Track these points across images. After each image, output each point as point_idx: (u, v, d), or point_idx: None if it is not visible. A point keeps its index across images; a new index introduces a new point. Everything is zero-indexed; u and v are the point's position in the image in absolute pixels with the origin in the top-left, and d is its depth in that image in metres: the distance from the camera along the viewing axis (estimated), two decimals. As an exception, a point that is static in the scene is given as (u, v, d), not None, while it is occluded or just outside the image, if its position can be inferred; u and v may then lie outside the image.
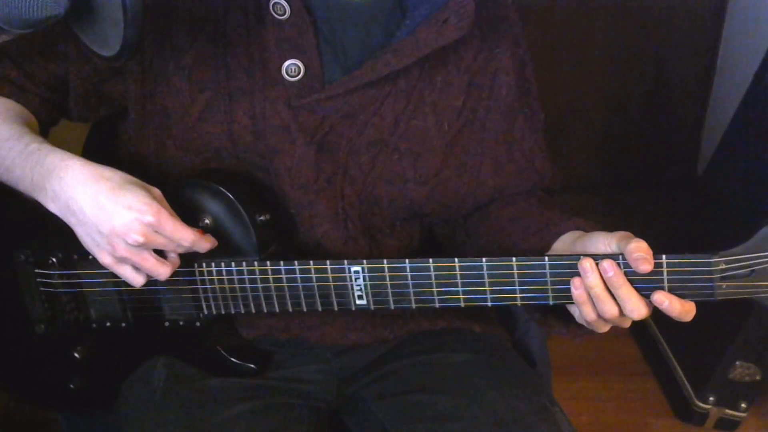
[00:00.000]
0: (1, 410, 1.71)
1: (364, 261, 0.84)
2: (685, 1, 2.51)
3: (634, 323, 0.83)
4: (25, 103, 0.94)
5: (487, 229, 1.00)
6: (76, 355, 0.96)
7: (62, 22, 0.71)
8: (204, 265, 0.88)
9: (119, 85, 0.94)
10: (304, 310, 0.88)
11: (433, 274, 0.83)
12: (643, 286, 0.78)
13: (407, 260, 0.83)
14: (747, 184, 1.68)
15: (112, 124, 1.02)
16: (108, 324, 0.94)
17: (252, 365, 0.95)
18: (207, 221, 0.86)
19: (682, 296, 0.77)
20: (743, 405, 1.75)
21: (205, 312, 0.91)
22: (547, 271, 0.80)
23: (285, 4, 0.89)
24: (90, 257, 0.88)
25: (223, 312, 0.90)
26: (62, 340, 0.96)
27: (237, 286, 0.88)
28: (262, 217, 0.89)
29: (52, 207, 0.82)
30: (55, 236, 0.89)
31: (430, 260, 0.83)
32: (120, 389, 0.99)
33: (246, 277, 0.87)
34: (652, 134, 2.71)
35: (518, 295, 0.82)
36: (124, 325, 0.94)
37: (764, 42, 1.84)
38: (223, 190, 0.87)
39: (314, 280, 0.86)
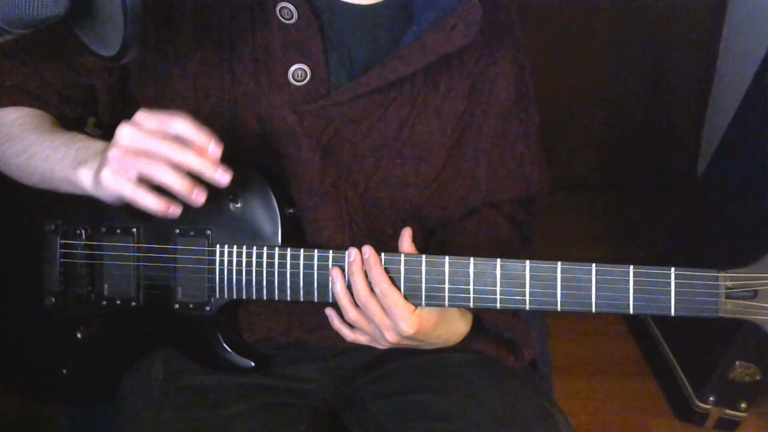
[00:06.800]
0: (1, 410, 1.71)
1: (383, 253, 0.85)
2: (685, 1, 2.52)
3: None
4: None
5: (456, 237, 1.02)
6: (78, 335, 0.96)
7: (62, 22, 0.71)
8: (226, 246, 0.89)
9: (137, 86, 0.94)
10: (315, 300, 0.88)
11: (447, 270, 0.84)
12: (650, 296, 0.79)
13: (424, 256, 0.84)
14: (747, 184, 1.69)
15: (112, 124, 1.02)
16: (118, 302, 0.94)
17: (251, 362, 0.95)
18: (238, 204, 0.87)
19: (687, 310, 0.79)
20: (743, 405, 1.76)
21: (217, 296, 0.91)
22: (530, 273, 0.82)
23: (292, 7, 0.89)
24: (117, 231, 0.91)
25: (235, 297, 0.90)
26: (67, 318, 0.97)
27: (254, 269, 0.89)
28: (290, 210, 0.91)
29: (86, 174, 0.82)
30: (86, 209, 0.91)
31: (446, 258, 0.83)
32: (114, 384, 0.99)
33: (264, 260, 0.88)
34: (652, 134, 2.72)
35: (499, 297, 0.83)
36: (133, 304, 0.94)
37: (764, 42, 1.84)
38: (259, 174, 0.89)
39: (330, 269, 0.86)
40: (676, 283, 0.79)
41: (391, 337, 0.86)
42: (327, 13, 0.92)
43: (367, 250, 0.84)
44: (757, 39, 2.18)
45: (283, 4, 0.89)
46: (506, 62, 0.99)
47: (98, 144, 0.85)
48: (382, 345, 0.89)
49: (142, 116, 0.78)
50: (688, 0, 2.51)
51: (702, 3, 2.51)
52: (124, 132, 0.77)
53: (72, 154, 0.85)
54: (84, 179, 0.82)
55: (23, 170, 0.91)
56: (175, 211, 0.78)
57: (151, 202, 0.77)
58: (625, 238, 2.52)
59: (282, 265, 0.88)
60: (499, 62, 0.98)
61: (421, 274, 0.84)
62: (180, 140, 0.77)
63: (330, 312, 0.90)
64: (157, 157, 0.76)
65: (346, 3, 0.93)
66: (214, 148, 0.77)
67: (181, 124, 0.77)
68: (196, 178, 0.78)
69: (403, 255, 0.85)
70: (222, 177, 0.77)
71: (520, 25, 1.02)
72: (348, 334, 0.90)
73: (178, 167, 0.76)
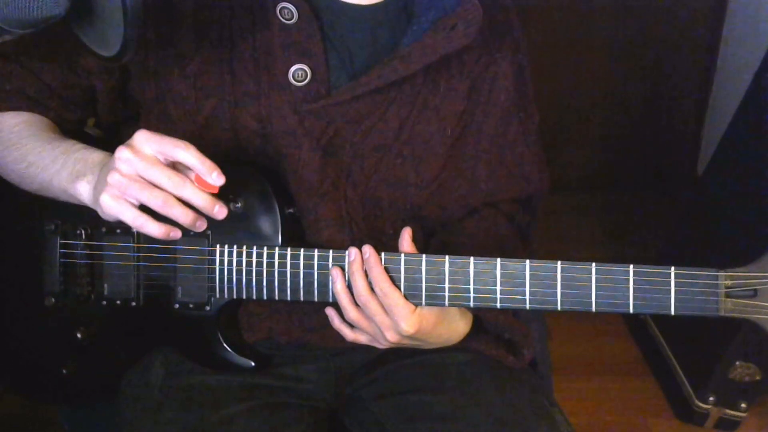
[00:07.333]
0: (1, 410, 1.71)
1: (383, 253, 0.85)
2: (685, 1, 2.52)
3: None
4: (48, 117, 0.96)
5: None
6: (78, 335, 0.96)
7: (62, 22, 0.71)
8: (226, 246, 0.89)
9: (137, 86, 0.94)
10: (315, 300, 0.88)
11: (447, 270, 0.84)
12: (650, 295, 0.79)
13: (424, 256, 0.84)
14: (747, 184, 1.69)
15: (111, 124, 1.02)
16: (118, 302, 0.94)
17: (251, 362, 0.95)
18: (238, 204, 0.88)
19: (687, 309, 0.79)
20: (743, 405, 1.76)
21: (217, 295, 0.91)
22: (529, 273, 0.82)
23: (292, 8, 0.89)
24: (117, 231, 0.92)
25: (235, 296, 0.90)
26: (67, 318, 0.97)
27: (254, 269, 0.89)
28: (290, 210, 0.91)
29: (85, 188, 0.84)
30: (86, 209, 0.91)
31: (446, 257, 0.84)
32: (114, 384, 0.99)
33: (264, 260, 0.88)
34: (652, 134, 2.72)
35: (499, 296, 0.84)
36: (134, 304, 0.94)
37: (764, 42, 1.84)
38: (259, 175, 0.89)
39: (331, 268, 0.86)
40: (676, 282, 0.79)
41: (391, 337, 0.86)
42: (327, 13, 0.92)
43: (367, 249, 0.84)
44: (757, 39, 2.18)
45: (284, 4, 0.89)
46: (506, 62, 0.99)
47: (96, 155, 0.86)
48: (382, 345, 0.89)
49: (141, 139, 0.79)
50: (688, 0, 2.51)
51: (702, 3, 2.51)
52: (123, 156, 0.78)
53: (70, 165, 0.85)
54: (83, 193, 0.83)
55: (23, 178, 0.91)
56: (175, 234, 0.81)
57: (153, 229, 0.80)
58: (625, 238, 2.52)
59: (282, 265, 0.88)
60: (499, 62, 0.98)
61: (421, 273, 0.84)
62: (179, 166, 0.79)
63: (330, 311, 0.90)
64: (157, 187, 0.78)
65: (347, 3, 0.93)
66: (217, 178, 0.79)
67: (183, 153, 0.78)
68: None
69: (403, 254, 0.85)
70: (220, 213, 0.81)
71: (519, 25, 1.02)
72: (348, 334, 0.90)
73: (178, 199, 0.79)
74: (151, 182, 0.78)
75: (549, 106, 2.50)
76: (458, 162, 0.99)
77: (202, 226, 0.83)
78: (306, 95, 0.91)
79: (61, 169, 0.86)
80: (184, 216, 0.80)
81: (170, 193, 0.79)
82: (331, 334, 0.94)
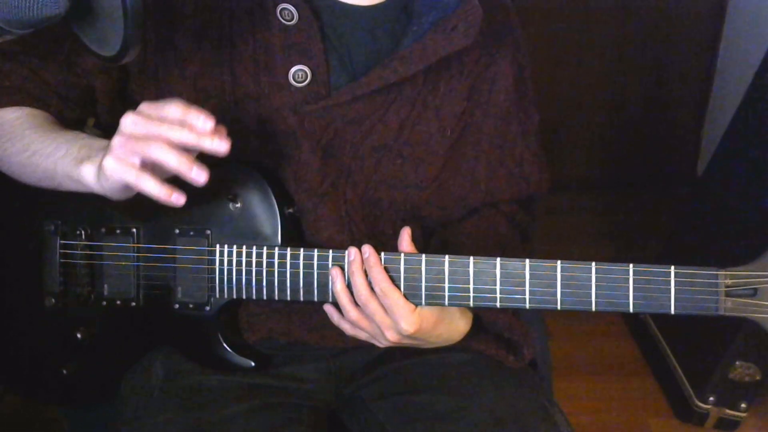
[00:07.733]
0: (1, 410, 1.72)
1: (383, 253, 0.85)
2: (685, 1, 2.52)
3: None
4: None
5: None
6: (78, 335, 0.96)
7: (62, 22, 0.71)
8: (226, 246, 0.89)
9: (137, 87, 0.94)
10: (315, 299, 0.88)
11: (447, 269, 0.84)
12: (650, 294, 0.79)
13: (423, 255, 0.84)
14: (747, 184, 1.69)
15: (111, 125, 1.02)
16: (118, 302, 0.94)
17: (251, 362, 0.95)
18: (238, 204, 0.88)
19: (687, 308, 0.79)
20: (743, 405, 1.76)
21: (217, 295, 0.91)
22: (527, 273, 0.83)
23: (292, 9, 0.89)
24: (117, 231, 0.92)
25: (235, 296, 0.90)
26: (67, 318, 0.97)
27: (254, 269, 0.89)
28: (290, 210, 0.91)
29: (89, 170, 0.82)
30: (86, 209, 0.92)
31: (446, 257, 0.84)
32: (114, 384, 0.99)
33: (264, 260, 0.88)
34: (652, 134, 2.72)
35: (499, 296, 0.84)
36: (134, 304, 0.94)
37: (764, 42, 1.84)
38: (259, 175, 0.89)
39: (330, 268, 0.86)
40: (675, 281, 0.79)
41: (391, 336, 0.86)
42: (327, 14, 0.92)
43: (367, 249, 0.84)
44: (757, 39, 2.18)
45: (284, 5, 0.89)
46: (506, 62, 0.99)
47: (101, 141, 0.85)
48: (382, 344, 0.89)
49: (144, 105, 0.78)
50: (688, 0, 2.52)
51: (702, 3, 2.51)
52: (127, 120, 0.77)
53: (74, 151, 0.85)
54: (87, 175, 0.82)
55: (24, 168, 0.91)
56: (178, 199, 0.77)
57: (154, 188, 0.76)
58: (625, 238, 2.52)
59: (282, 265, 0.88)
60: (499, 62, 0.98)
61: (420, 273, 0.84)
62: (179, 123, 0.77)
63: (329, 308, 0.90)
64: (155, 138, 0.76)
65: (347, 4, 0.93)
66: (205, 121, 0.76)
67: (173, 107, 0.77)
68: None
69: (402, 254, 0.85)
70: (219, 145, 0.76)
71: (518, 25, 1.02)
72: (348, 329, 0.90)
73: (177, 147, 0.76)
74: (150, 135, 0.76)
75: (549, 106, 2.50)
76: (458, 162, 0.99)
77: (200, 174, 0.76)
78: (306, 96, 0.91)
79: (65, 154, 0.86)
80: (178, 159, 0.75)
81: (167, 141, 0.76)
82: (331, 333, 0.94)
